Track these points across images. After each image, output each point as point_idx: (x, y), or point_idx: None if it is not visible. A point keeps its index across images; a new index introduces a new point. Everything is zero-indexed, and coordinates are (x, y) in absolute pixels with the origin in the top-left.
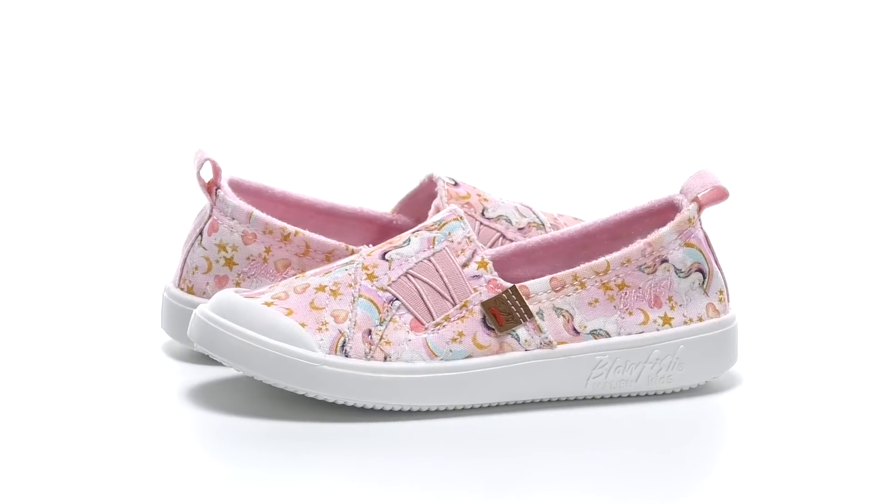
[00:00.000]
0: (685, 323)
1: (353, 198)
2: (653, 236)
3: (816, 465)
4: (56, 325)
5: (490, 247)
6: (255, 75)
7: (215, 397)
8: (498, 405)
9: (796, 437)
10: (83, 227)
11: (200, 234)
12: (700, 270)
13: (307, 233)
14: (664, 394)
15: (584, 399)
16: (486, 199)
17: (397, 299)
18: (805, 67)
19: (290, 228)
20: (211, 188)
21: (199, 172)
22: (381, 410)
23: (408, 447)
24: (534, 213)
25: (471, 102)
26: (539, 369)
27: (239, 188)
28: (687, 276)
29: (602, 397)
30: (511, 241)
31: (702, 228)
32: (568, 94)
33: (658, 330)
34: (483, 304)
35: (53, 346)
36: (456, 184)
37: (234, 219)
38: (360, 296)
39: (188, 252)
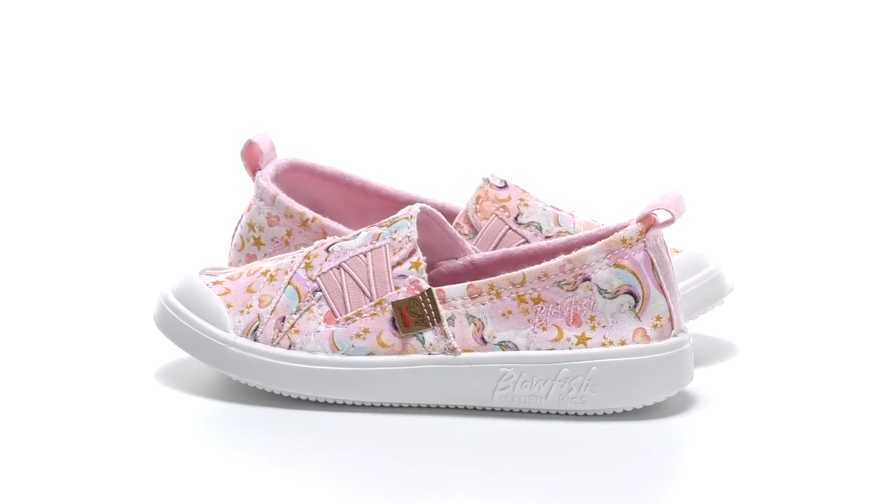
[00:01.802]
0: (603, 345)
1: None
2: (575, 253)
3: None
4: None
5: None
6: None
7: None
8: (411, 406)
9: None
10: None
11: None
12: (631, 293)
13: (325, 220)
14: (599, 415)
15: (505, 411)
16: (526, 205)
17: (320, 290)
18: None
19: (309, 214)
20: (254, 169)
21: (242, 152)
22: (290, 398)
23: (296, 436)
24: (574, 223)
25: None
26: (442, 375)
27: (313, 172)
28: (614, 298)
29: (521, 411)
30: None
31: (646, 250)
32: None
33: (570, 349)
34: (394, 303)
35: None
36: (505, 186)
37: (261, 200)
38: (289, 283)
39: (234, 230)
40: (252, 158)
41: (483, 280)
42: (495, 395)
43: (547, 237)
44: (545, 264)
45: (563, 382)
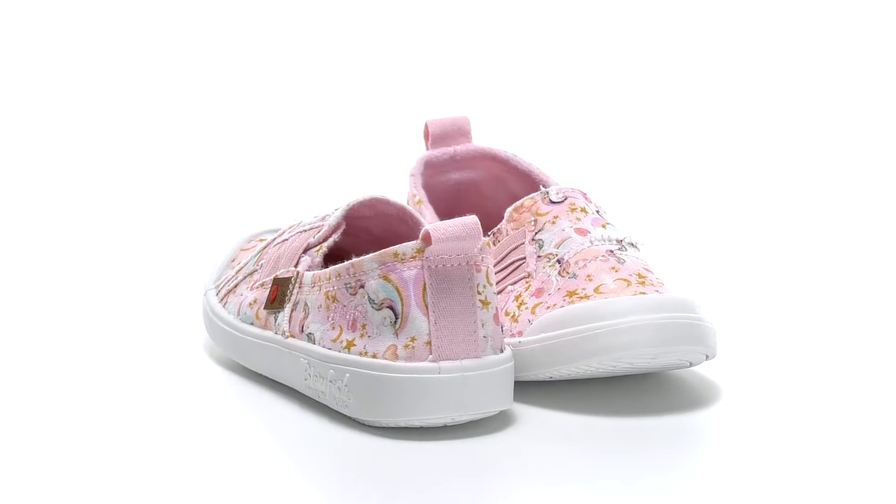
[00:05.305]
0: (361, 354)
1: None
2: (358, 259)
3: None
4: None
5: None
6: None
7: None
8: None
9: None
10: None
11: None
12: (391, 308)
13: (425, 207)
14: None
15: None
16: (553, 223)
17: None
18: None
19: (418, 197)
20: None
21: (424, 133)
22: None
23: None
24: (573, 249)
25: None
26: (278, 355)
27: (507, 164)
28: (379, 310)
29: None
30: None
31: (421, 269)
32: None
33: (339, 351)
34: (274, 279)
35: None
36: (562, 201)
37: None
38: (263, 249)
39: None
40: (425, 139)
41: (320, 271)
42: (306, 384)
43: (538, 257)
44: (339, 265)
45: (332, 384)
